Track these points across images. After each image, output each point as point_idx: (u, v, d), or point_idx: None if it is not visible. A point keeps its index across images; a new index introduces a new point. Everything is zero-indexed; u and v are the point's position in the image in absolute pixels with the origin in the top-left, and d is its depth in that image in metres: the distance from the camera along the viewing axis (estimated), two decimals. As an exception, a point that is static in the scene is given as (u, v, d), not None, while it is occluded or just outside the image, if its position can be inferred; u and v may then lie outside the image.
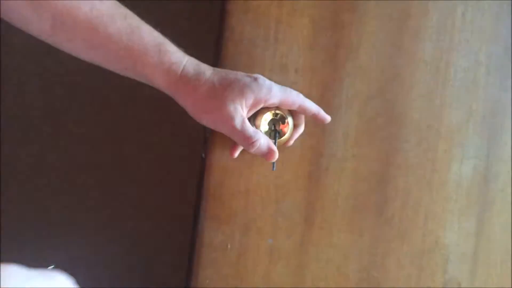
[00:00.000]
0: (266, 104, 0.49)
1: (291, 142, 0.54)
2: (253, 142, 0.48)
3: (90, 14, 0.42)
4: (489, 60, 0.60)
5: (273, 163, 0.51)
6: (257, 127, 0.51)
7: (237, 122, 0.47)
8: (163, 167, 1.04)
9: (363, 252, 0.57)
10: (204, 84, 0.47)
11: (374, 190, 0.58)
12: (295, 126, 0.53)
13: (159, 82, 0.47)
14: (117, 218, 1.05)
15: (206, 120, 0.49)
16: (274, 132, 0.52)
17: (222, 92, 0.47)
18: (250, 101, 0.47)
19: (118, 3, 0.45)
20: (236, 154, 0.53)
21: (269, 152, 0.49)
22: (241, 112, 0.47)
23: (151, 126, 1.00)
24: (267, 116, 0.51)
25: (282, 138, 0.52)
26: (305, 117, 0.54)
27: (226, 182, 0.55)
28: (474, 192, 0.60)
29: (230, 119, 0.47)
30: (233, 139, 0.49)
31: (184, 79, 0.47)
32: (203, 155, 0.55)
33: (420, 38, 0.58)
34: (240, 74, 0.49)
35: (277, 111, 0.51)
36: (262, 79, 0.48)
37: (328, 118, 0.52)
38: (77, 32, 0.43)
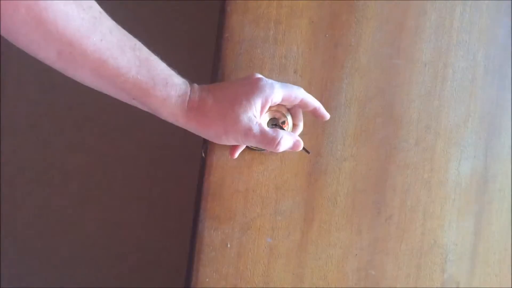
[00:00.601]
0: (271, 103, 0.49)
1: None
2: (278, 142, 0.48)
3: (100, 45, 0.41)
4: (487, 60, 0.60)
5: (304, 149, 0.51)
6: None
7: (256, 131, 0.47)
8: (163, 167, 1.04)
9: (362, 251, 0.58)
10: (211, 109, 0.47)
11: (373, 190, 0.58)
12: (294, 126, 0.53)
13: (168, 116, 0.47)
14: (117, 217, 1.05)
15: (227, 140, 0.49)
16: (279, 128, 0.52)
17: (231, 109, 0.47)
18: (259, 106, 0.48)
19: (127, 34, 0.44)
20: (236, 154, 0.53)
21: (296, 143, 0.50)
22: (255, 119, 0.47)
23: (151, 125, 1.00)
24: (267, 116, 0.51)
25: None
26: (304, 116, 0.54)
27: (226, 182, 0.55)
28: (472, 192, 0.60)
29: (249, 130, 0.47)
30: (258, 147, 0.50)
31: (191, 110, 0.47)
32: (203, 155, 0.55)
33: (418, 38, 0.58)
34: (240, 84, 0.49)
35: (276, 111, 0.52)
36: (262, 80, 0.48)
37: (327, 115, 0.52)
38: (85, 63, 0.42)
